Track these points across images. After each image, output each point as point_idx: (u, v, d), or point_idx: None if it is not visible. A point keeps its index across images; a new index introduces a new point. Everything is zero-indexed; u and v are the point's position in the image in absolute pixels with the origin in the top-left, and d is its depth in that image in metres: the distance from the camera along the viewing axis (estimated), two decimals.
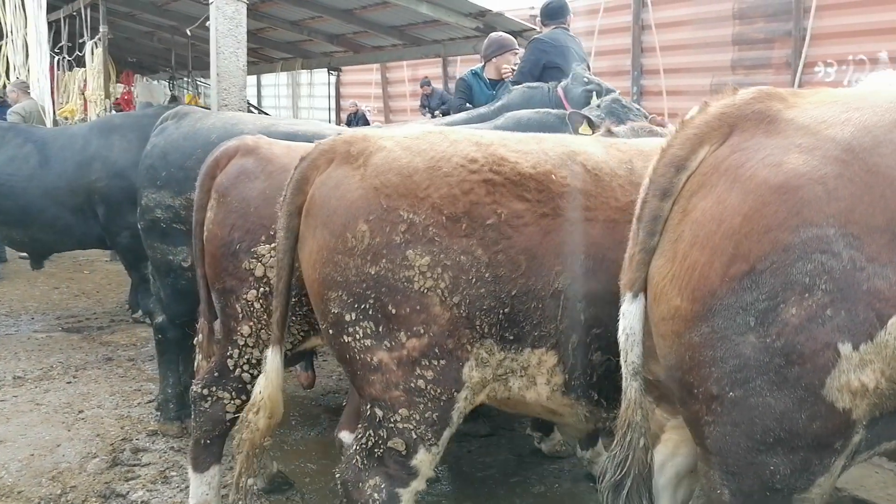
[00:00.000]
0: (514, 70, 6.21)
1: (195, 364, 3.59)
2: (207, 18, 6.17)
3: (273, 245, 3.11)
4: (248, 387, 3.29)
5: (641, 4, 10.24)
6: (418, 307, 2.44)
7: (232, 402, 3.30)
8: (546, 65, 5.75)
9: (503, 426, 4.76)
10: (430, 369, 2.48)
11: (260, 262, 3.14)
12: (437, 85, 13.60)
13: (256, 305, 3.17)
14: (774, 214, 1.91)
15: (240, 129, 4.13)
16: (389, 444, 2.56)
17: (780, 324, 1.89)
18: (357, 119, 14.92)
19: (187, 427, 4.63)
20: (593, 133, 3.78)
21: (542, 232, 2.45)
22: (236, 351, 3.25)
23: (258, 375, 3.26)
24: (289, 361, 3.51)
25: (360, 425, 2.69)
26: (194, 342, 3.64)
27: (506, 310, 2.46)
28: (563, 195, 2.48)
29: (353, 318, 2.52)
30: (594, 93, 4.85)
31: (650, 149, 2.76)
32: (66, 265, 9.90)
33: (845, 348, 1.85)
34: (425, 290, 2.43)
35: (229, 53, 5.96)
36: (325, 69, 11.25)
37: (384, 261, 2.44)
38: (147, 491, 3.97)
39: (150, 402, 5.16)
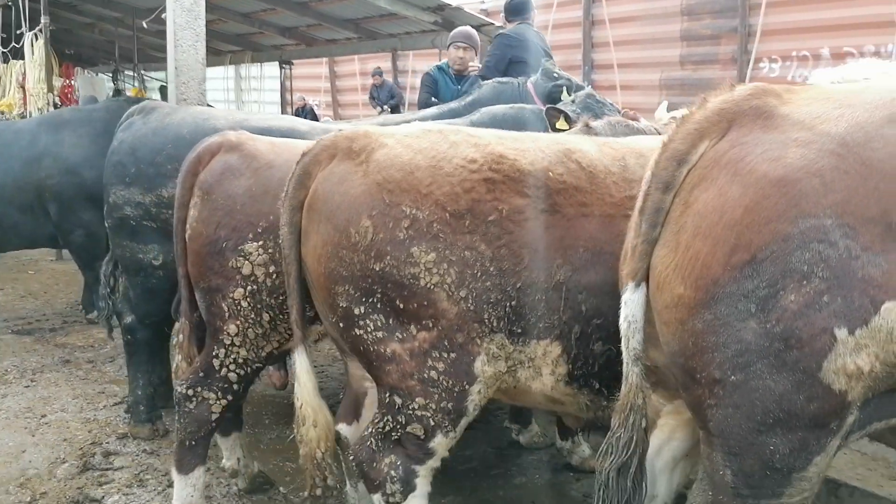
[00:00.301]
0: (465, 62, 6.35)
1: (174, 365, 3.53)
2: (163, 10, 6.02)
3: (261, 243, 3.10)
4: (235, 387, 3.27)
5: (592, 0, 10.41)
6: (426, 302, 2.51)
7: (218, 402, 3.26)
8: (511, 59, 5.82)
9: (479, 419, 4.80)
10: (441, 361, 2.55)
11: (247, 259, 3.11)
12: (387, 79, 13.56)
13: (244, 304, 3.14)
14: (774, 206, 1.99)
15: (211, 125, 4.08)
16: (408, 429, 2.65)
17: (780, 310, 1.98)
18: (304, 114, 14.75)
19: (158, 429, 4.56)
20: (570, 128, 3.86)
21: (543, 226, 2.53)
22: (222, 350, 3.21)
23: (245, 375, 3.26)
24: (273, 360, 3.48)
25: (377, 410, 2.75)
26: (173, 343, 3.57)
27: (512, 303, 2.53)
28: (561, 191, 2.56)
29: (363, 311, 2.59)
30: (564, 87, 4.94)
31: (642, 146, 2.86)
32: (9, 265, 9.59)
33: (841, 333, 1.94)
34: (432, 286, 2.49)
35: (188, 46, 5.83)
36: (276, 62, 11.11)
37: (388, 257, 2.50)
38: (123, 495, 3.90)
39: (116, 404, 5.06)
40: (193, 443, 3.31)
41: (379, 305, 2.56)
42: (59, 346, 6.42)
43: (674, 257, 2.16)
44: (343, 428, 3.13)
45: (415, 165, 2.55)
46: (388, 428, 2.68)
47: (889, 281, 1.91)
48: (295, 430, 2.90)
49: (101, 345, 6.45)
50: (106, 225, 4.39)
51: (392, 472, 2.68)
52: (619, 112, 4.29)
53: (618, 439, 2.33)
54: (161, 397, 4.74)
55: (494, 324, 2.54)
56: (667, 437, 2.64)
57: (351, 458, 2.80)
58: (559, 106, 4.24)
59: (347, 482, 3.24)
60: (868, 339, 1.94)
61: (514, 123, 4.11)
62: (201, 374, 3.27)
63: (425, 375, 2.57)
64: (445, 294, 2.49)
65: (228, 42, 10.51)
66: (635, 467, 2.33)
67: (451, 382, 2.58)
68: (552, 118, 4.00)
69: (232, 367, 3.23)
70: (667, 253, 2.18)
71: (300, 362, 2.82)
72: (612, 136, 3.48)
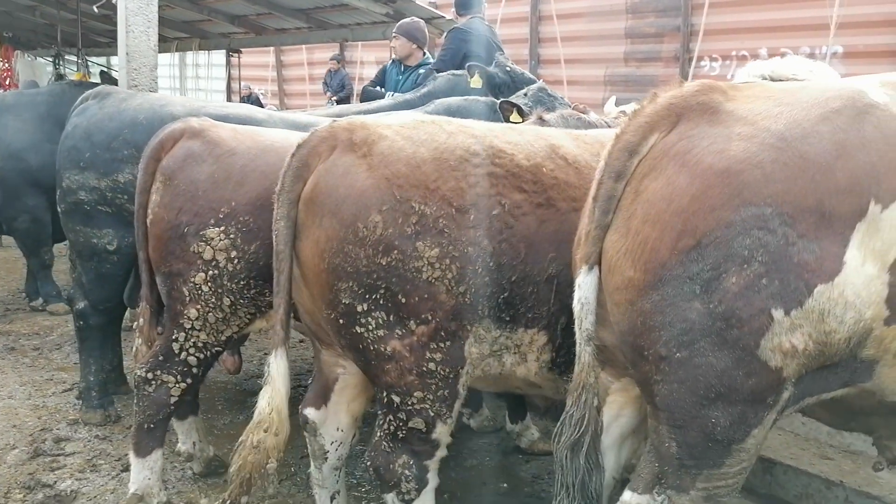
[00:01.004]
0: (399, 51, 6.53)
1: (133, 349, 3.54)
2: None
3: (222, 228, 3.13)
4: (194, 370, 3.30)
5: None
6: (426, 295, 2.54)
7: (177, 385, 3.30)
8: (466, 54, 5.92)
9: None
10: (439, 351, 2.60)
11: (209, 244, 3.14)
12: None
13: (204, 288, 3.17)
14: (718, 195, 2.13)
15: (168, 111, 4.08)
16: (410, 424, 2.68)
17: (722, 291, 2.12)
18: (250, 102, 14.60)
19: (110, 415, 4.55)
20: (523, 121, 3.98)
21: (538, 221, 2.63)
22: (182, 334, 3.25)
23: (205, 359, 3.30)
24: (232, 344, 3.52)
25: (379, 412, 2.78)
26: (134, 326, 3.58)
27: (505, 294, 2.62)
28: (553, 186, 2.67)
29: (365, 308, 2.57)
30: (513, 80, 5.08)
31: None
32: None
33: (778, 313, 2.09)
34: (433, 280, 2.54)
35: (140, 32, 5.77)
36: (224, 50, 10.99)
37: (395, 252, 2.51)
38: (75, 480, 3.89)
39: (65, 391, 5.02)
40: (152, 426, 3.34)
41: (381, 301, 2.55)
42: (3, 333, 6.31)
43: (624, 242, 2.29)
44: (311, 412, 3.16)
45: (420, 159, 2.58)
46: (392, 427, 2.71)
47: (822, 266, 2.07)
48: (249, 435, 2.77)
49: (46, 332, 6.36)
50: (59, 210, 4.34)
51: (406, 472, 2.72)
52: (570, 106, 4.43)
53: (570, 416, 2.43)
54: (112, 383, 4.72)
55: (485, 312, 2.62)
56: (615, 415, 2.76)
57: (367, 463, 2.81)
58: (511, 99, 4.36)
59: (312, 464, 3.29)
60: (802, 319, 2.09)
61: (468, 115, 4.20)
62: (161, 358, 3.29)
63: (423, 368, 2.61)
64: (445, 287, 2.54)
65: (175, 29, 10.34)
66: (588, 445, 2.43)
67: (446, 370, 2.63)
68: (506, 112, 4.11)
69: (192, 350, 3.26)
70: (618, 238, 2.31)
71: (278, 365, 2.75)
72: (564, 129, 3.61)
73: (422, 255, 2.51)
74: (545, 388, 2.90)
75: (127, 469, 3.91)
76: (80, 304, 4.44)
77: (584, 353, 2.41)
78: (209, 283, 3.16)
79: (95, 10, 6.31)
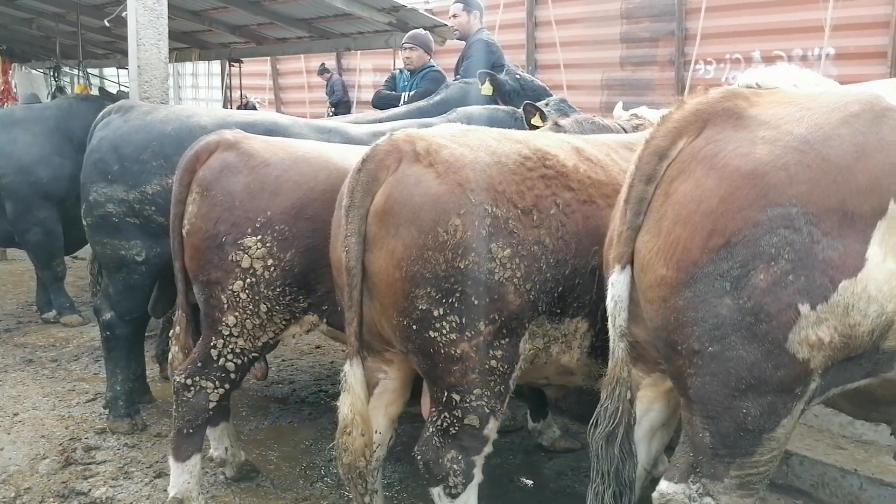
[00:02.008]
0: (411, 61, 6.74)
1: (169, 356, 3.64)
2: (124, 9, 6.02)
3: (259, 237, 3.24)
4: (232, 375, 3.41)
5: (535, 2, 10.70)
6: (496, 296, 2.66)
7: (215, 391, 3.40)
8: (494, 64, 6.03)
9: None
10: (500, 349, 2.73)
11: (246, 253, 3.25)
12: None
13: (242, 296, 3.28)
14: (746, 196, 2.25)
15: (195, 122, 4.18)
16: (465, 421, 2.79)
17: (751, 288, 2.23)
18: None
19: (137, 424, 4.63)
20: (544, 124, 4.11)
21: (584, 217, 2.80)
22: (220, 341, 3.35)
23: (242, 364, 3.40)
24: (268, 349, 3.62)
25: (433, 409, 2.88)
26: (170, 334, 3.68)
27: (560, 289, 2.76)
28: (592, 185, 2.84)
29: (441, 312, 2.66)
30: (522, 87, 5.22)
31: (613, 141, 3.14)
32: None
33: (804, 308, 2.20)
34: (504, 280, 2.65)
35: (150, 45, 5.86)
36: (226, 60, 11.07)
37: (472, 254, 2.62)
38: (110, 487, 3.97)
39: (89, 401, 5.10)
40: (191, 431, 3.44)
41: (456, 304, 2.64)
42: (19, 346, 6.37)
43: (656, 242, 2.40)
44: None
45: (484, 164, 2.70)
46: (446, 424, 2.81)
47: (845, 262, 2.18)
48: (338, 439, 2.89)
49: (62, 344, 6.43)
50: (84, 223, 4.43)
51: (454, 466, 2.82)
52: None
53: (605, 409, 2.56)
54: (136, 392, 4.81)
55: (543, 308, 2.76)
56: (645, 409, 2.87)
57: (417, 456, 2.91)
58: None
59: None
60: (828, 313, 2.20)
61: (489, 123, 4.35)
62: (199, 364, 3.40)
63: (486, 367, 2.72)
64: (514, 287, 2.67)
65: (175, 39, 10.36)
66: (622, 436, 2.55)
67: (505, 366, 2.75)
68: (529, 114, 4.23)
69: (230, 356, 3.37)
70: (650, 238, 2.43)
71: (355, 373, 2.84)
72: (580, 133, 3.75)
73: (495, 256, 2.63)
74: (579, 374, 3.03)
75: (160, 475, 4.03)
76: (107, 315, 4.52)
77: (617, 348, 2.53)
78: (247, 291, 3.27)
79: (106, 23, 6.39)
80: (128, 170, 4.20)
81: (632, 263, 2.48)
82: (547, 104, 4.63)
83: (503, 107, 4.77)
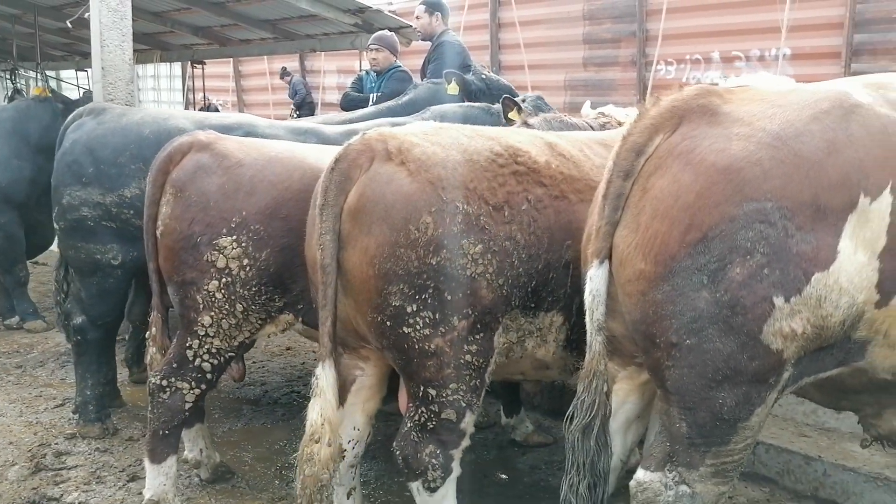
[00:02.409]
0: (378, 62, 6.78)
1: (147, 357, 3.62)
2: (86, 10, 5.93)
3: (234, 237, 3.23)
4: (208, 376, 3.40)
5: (499, 3, 10.77)
6: (469, 291, 2.70)
7: (192, 391, 3.39)
8: (462, 64, 6.05)
9: None
10: (475, 343, 2.76)
11: (222, 253, 3.25)
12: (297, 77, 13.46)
13: (218, 296, 3.27)
14: (722, 191, 2.30)
15: (173, 125, 4.15)
16: (442, 416, 2.82)
17: (728, 281, 2.28)
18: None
19: (108, 428, 4.58)
20: (521, 117, 4.16)
21: (556, 212, 2.84)
22: (196, 341, 3.34)
23: (218, 364, 3.38)
24: (244, 349, 3.61)
25: (410, 404, 2.89)
26: (146, 336, 3.64)
27: (533, 283, 2.80)
28: (563, 180, 2.88)
29: (415, 308, 2.69)
30: (488, 87, 5.28)
31: (587, 137, 3.20)
32: None
33: (778, 300, 2.26)
34: (476, 276, 2.69)
35: (114, 47, 5.78)
36: (188, 62, 10.94)
37: (444, 251, 2.65)
38: (82, 492, 3.93)
39: (57, 406, 5.03)
40: (166, 432, 3.42)
41: (429, 300, 2.68)
42: None
43: (635, 237, 2.44)
44: None
45: (455, 162, 2.74)
46: (423, 419, 2.84)
47: (818, 255, 2.24)
48: (303, 448, 2.80)
49: (26, 350, 6.32)
50: (56, 227, 4.37)
51: (433, 461, 2.85)
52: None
53: (582, 402, 2.59)
54: (107, 397, 4.75)
55: (516, 302, 2.80)
56: (621, 401, 2.91)
57: (396, 451, 2.93)
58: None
59: None
60: (801, 305, 2.26)
61: (464, 120, 4.41)
62: (174, 365, 3.38)
63: (461, 361, 2.75)
64: (486, 282, 2.70)
65: (135, 41, 10.17)
66: (598, 429, 2.59)
67: (480, 360, 2.79)
68: (507, 108, 4.26)
69: (206, 356, 3.36)
70: (628, 233, 2.47)
71: (326, 376, 2.80)
72: (548, 131, 3.80)
73: (467, 252, 2.67)
74: (555, 367, 3.07)
75: (133, 479, 4.00)
76: (78, 320, 4.46)
77: (595, 342, 2.56)
78: (222, 291, 3.27)
79: (68, 24, 6.28)
80: (104, 173, 4.15)
81: (610, 258, 2.52)
82: (524, 100, 4.68)
83: (477, 104, 4.81)
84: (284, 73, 12.94)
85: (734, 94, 2.55)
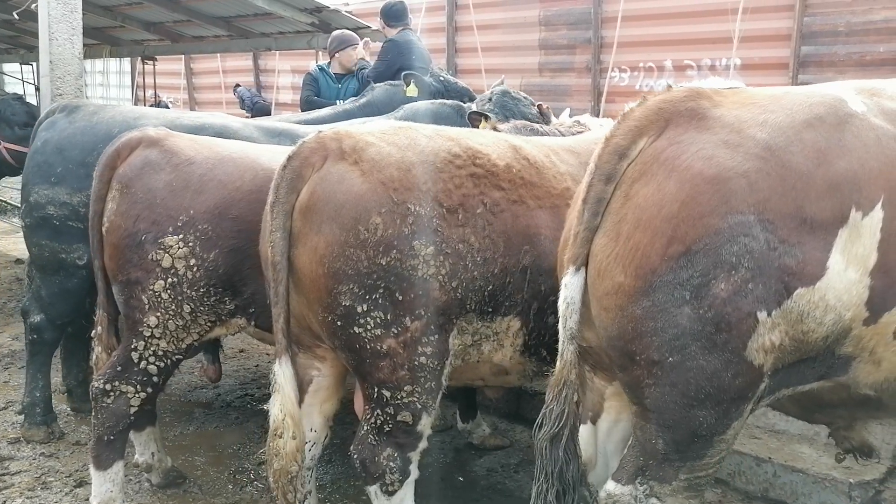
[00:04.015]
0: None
1: (93, 357, 3.50)
2: (35, 1, 5.77)
3: (181, 236, 3.15)
4: (155, 379, 3.28)
5: (455, 7, 10.79)
6: (421, 293, 2.65)
7: (137, 395, 3.27)
8: (402, 66, 6.02)
9: None
10: (429, 345, 2.71)
11: (167, 252, 3.15)
12: (248, 77, 13.28)
13: (164, 296, 3.17)
14: (707, 202, 2.20)
15: (143, 123, 4.04)
16: (399, 418, 2.76)
17: (712, 297, 2.20)
18: None
19: (54, 432, 4.43)
20: (490, 124, 4.15)
21: (513, 217, 2.78)
22: (142, 343, 3.23)
23: (165, 367, 3.29)
24: (192, 352, 3.52)
25: (366, 406, 2.83)
26: (92, 335, 3.53)
27: (489, 287, 2.75)
28: (523, 185, 2.83)
29: (364, 308, 2.65)
30: (446, 88, 5.28)
31: (553, 144, 3.19)
32: None
33: (762, 315, 2.19)
34: (428, 277, 2.64)
35: (64, 40, 5.62)
36: (138, 58, 10.70)
37: (394, 251, 2.61)
38: (26, 499, 3.78)
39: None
40: (112, 437, 3.29)
41: (380, 301, 2.64)
42: None
43: (614, 247, 2.33)
44: None
45: (409, 163, 2.69)
46: (379, 422, 2.79)
47: (804, 270, 2.18)
48: (268, 443, 2.81)
49: None
50: (22, 224, 4.26)
51: (391, 464, 2.80)
52: (535, 107, 4.64)
53: (551, 411, 2.50)
54: (79, 399, 4.69)
55: (472, 306, 2.75)
56: (614, 420, 2.82)
57: (354, 455, 2.88)
58: (476, 103, 4.53)
59: None
60: (781, 318, 2.21)
61: (435, 118, 4.40)
62: (119, 368, 3.25)
63: (415, 363, 2.71)
64: (439, 283, 2.66)
65: (85, 35, 9.95)
66: (567, 438, 2.50)
67: (435, 362, 2.74)
68: (475, 122, 4.20)
69: (152, 359, 3.24)
70: (607, 242, 2.35)
71: (284, 372, 2.79)
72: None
73: (418, 253, 2.63)
74: (513, 373, 3.04)
75: (80, 485, 3.87)
76: (36, 318, 4.33)
77: (566, 350, 2.46)
78: (168, 291, 3.17)
79: (15, 16, 6.09)
80: (72, 173, 4.04)
81: (587, 265, 2.41)
82: (491, 99, 4.66)
83: (448, 102, 4.81)
84: (235, 88, 12.74)
85: (725, 96, 2.44)
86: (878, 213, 2.20)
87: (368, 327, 2.69)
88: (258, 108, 11.88)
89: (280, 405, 2.77)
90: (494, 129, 3.85)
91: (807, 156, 2.23)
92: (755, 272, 2.17)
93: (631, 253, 2.29)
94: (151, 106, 14.29)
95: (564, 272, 2.45)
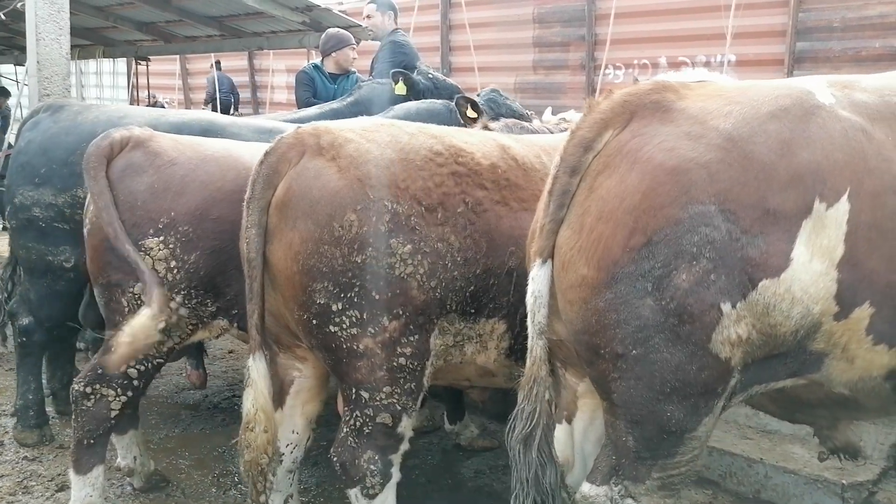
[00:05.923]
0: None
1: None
2: (21, 0, 5.73)
3: (161, 239, 3.12)
4: (135, 382, 3.24)
5: (449, 5, 10.74)
6: (398, 291, 2.60)
7: (117, 399, 3.23)
8: (405, 66, 5.98)
9: None
10: (409, 346, 2.67)
11: (148, 255, 3.12)
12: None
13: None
14: (668, 193, 2.20)
15: (127, 123, 3.98)
16: (378, 420, 2.72)
17: (673, 288, 2.19)
18: None
19: (46, 435, 4.41)
20: (479, 116, 4.10)
21: (497, 217, 2.74)
22: None
23: (146, 371, 3.25)
24: (175, 355, 3.48)
25: (346, 408, 2.80)
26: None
27: (471, 288, 2.71)
28: (508, 186, 2.79)
29: (340, 307, 2.61)
30: (436, 86, 5.24)
31: (549, 144, 3.11)
32: None
33: (726, 307, 2.17)
34: (405, 276, 2.60)
35: (51, 40, 5.60)
36: (132, 58, 10.66)
37: (370, 249, 2.57)
38: (7, 503, 3.74)
39: None
40: (92, 441, 3.26)
41: (356, 299, 2.61)
42: None
43: (578, 239, 2.32)
44: None
45: (388, 160, 2.65)
46: (359, 423, 2.75)
47: (768, 261, 2.16)
48: (240, 435, 2.84)
49: None
50: (8, 225, 4.23)
51: (371, 466, 2.76)
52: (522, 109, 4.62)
53: (522, 410, 2.47)
54: (62, 402, 4.68)
55: (453, 306, 2.71)
56: (589, 419, 2.79)
57: (334, 458, 2.85)
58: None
59: None
60: (746, 311, 2.18)
61: (428, 115, 4.38)
62: (99, 371, 3.22)
63: (394, 363, 2.67)
64: (417, 283, 2.62)
65: (77, 36, 9.88)
66: (540, 439, 2.47)
67: (415, 363, 2.70)
68: (462, 107, 4.19)
69: (132, 362, 3.20)
70: (571, 234, 2.35)
71: (258, 368, 2.79)
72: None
73: (395, 251, 2.59)
74: (499, 375, 2.99)
75: (62, 489, 3.84)
76: (25, 321, 4.30)
77: (536, 346, 2.45)
78: None
79: (2, 16, 6.04)
80: (56, 173, 4.00)
81: (553, 258, 2.40)
82: (479, 95, 4.63)
83: (439, 101, 4.78)
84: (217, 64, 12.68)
85: (691, 89, 2.44)
86: (843, 205, 2.18)
87: (344, 326, 2.65)
88: (224, 103, 11.73)
89: (253, 399, 2.78)
90: (486, 127, 3.80)
91: (770, 147, 2.21)
92: (717, 262, 2.16)
93: (594, 245, 2.28)
94: (148, 106, 14.27)
95: (531, 265, 2.43)
